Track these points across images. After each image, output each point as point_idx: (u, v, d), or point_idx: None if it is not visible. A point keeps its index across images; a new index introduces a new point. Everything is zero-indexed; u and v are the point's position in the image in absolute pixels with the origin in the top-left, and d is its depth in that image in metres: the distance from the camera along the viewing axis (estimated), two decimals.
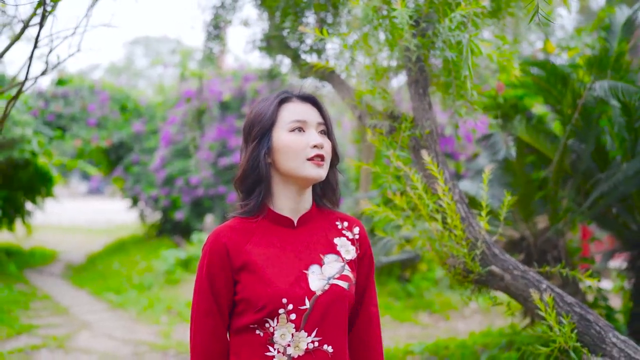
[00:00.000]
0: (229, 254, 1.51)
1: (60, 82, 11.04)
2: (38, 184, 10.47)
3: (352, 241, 1.62)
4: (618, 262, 5.54)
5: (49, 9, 2.74)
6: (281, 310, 1.47)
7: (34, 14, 2.79)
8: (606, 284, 6.57)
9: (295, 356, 1.48)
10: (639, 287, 4.05)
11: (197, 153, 9.55)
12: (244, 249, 1.52)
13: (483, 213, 2.53)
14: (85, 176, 35.94)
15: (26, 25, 2.84)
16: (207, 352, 1.55)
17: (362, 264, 1.63)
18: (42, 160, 9.52)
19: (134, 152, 11.25)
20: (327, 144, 1.57)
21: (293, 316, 1.48)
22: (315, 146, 1.53)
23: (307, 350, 1.48)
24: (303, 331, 1.48)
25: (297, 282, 1.50)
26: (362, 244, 1.64)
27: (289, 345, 1.48)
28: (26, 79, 2.89)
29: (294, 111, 1.57)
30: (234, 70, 10.36)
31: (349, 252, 1.60)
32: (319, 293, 1.50)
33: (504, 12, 3.35)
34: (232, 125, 10.33)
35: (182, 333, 6.12)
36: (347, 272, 1.57)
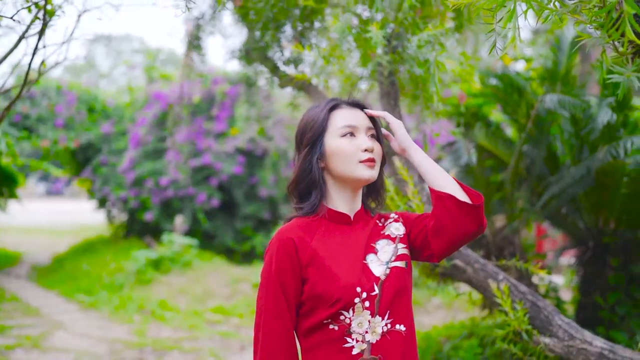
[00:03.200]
0: (297, 250, 1.54)
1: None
2: (1, 185, 10.37)
3: (396, 220, 1.69)
4: (569, 259, 5.98)
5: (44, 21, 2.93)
6: (357, 300, 1.50)
7: (29, 26, 2.97)
8: (559, 280, 7.03)
9: (374, 341, 1.51)
10: (586, 280, 4.44)
11: (172, 154, 9.67)
12: (310, 244, 1.56)
13: None
14: (44, 177, 35.25)
15: (23, 35, 3.01)
16: (278, 358, 1.52)
17: (408, 219, 1.68)
18: (5, 161, 9.45)
19: (103, 153, 11.25)
20: (377, 147, 1.63)
21: (367, 303, 1.51)
22: (366, 150, 1.58)
23: (382, 334, 1.52)
24: (378, 316, 1.52)
25: (363, 272, 1.54)
26: (401, 215, 1.70)
27: (366, 332, 1.51)
28: (24, 85, 3.07)
29: (344, 117, 1.62)
30: (203, 73, 10.51)
31: (398, 229, 1.66)
32: (383, 278, 1.54)
33: (465, 28, 3.69)
34: (200, 127, 10.48)
35: (157, 331, 6.27)
36: (402, 250, 1.62)
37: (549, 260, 5.86)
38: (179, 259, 8.86)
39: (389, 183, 2.86)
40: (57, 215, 23.65)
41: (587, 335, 2.54)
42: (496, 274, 2.77)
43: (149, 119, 10.64)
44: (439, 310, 7.33)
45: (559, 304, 4.30)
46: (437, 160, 4.83)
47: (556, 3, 1.48)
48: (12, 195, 10.92)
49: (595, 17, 1.42)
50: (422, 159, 1.64)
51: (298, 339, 1.59)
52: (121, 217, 12.28)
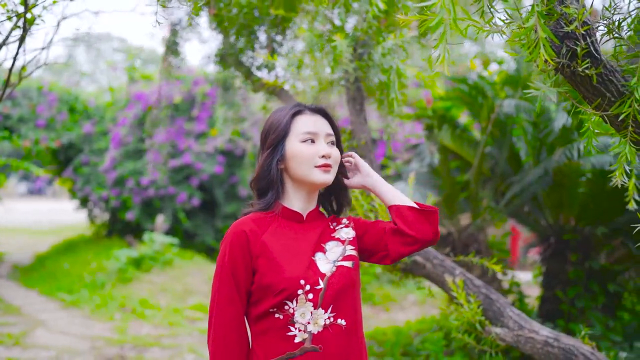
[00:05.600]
0: (248, 241, 1.65)
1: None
2: None
3: (347, 225, 1.81)
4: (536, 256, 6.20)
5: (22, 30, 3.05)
6: (300, 291, 1.60)
7: (9, 34, 3.09)
8: (526, 276, 7.27)
9: (315, 332, 1.61)
10: (548, 275, 4.65)
11: (151, 155, 9.76)
12: (261, 237, 1.66)
13: None
14: (26, 177, 34.94)
15: (3, 43, 3.13)
16: (228, 341, 1.63)
17: (361, 223, 1.81)
18: None
19: (84, 153, 11.30)
20: (335, 153, 1.73)
21: (310, 295, 1.61)
22: (323, 156, 1.69)
23: (324, 326, 1.61)
24: (320, 309, 1.61)
25: (310, 267, 1.65)
26: (353, 220, 1.83)
27: (308, 323, 1.61)
28: (4, 89, 3.19)
29: (306, 123, 1.72)
30: (183, 74, 10.62)
31: (348, 233, 1.78)
32: (328, 274, 1.64)
33: (429, 35, 3.87)
34: (181, 128, 10.59)
35: (137, 328, 6.38)
36: (350, 251, 1.73)
37: (520, 257, 6.08)
38: (159, 257, 8.97)
39: None
40: (39, 215, 23.54)
41: (535, 325, 2.73)
42: (453, 269, 2.95)
43: (130, 119, 10.72)
44: (413, 307, 7.54)
45: (521, 298, 4.51)
46: (406, 162, 5.02)
47: (492, 22, 1.66)
48: None
49: (519, 38, 1.60)
50: (382, 182, 1.83)
51: (249, 324, 1.70)
52: (103, 216, 12.33)
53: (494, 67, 6.91)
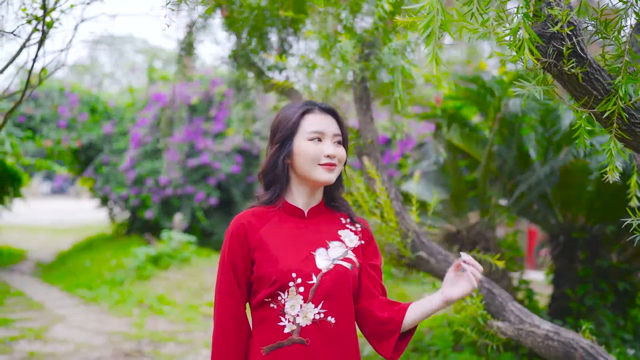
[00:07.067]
0: (246, 234, 1.73)
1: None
2: (6, 184, 10.66)
3: (355, 232, 1.83)
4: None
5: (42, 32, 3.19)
6: (291, 284, 1.66)
7: (29, 37, 3.23)
8: (539, 274, 7.27)
9: (304, 325, 1.66)
10: (558, 273, 4.68)
11: (166, 154, 9.93)
12: (259, 231, 1.74)
13: (414, 208, 3.08)
14: (49, 176, 35.61)
15: (24, 45, 3.27)
16: (226, 329, 1.71)
17: (368, 249, 1.83)
18: (9, 161, 9.71)
19: (104, 153, 11.54)
20: (340, 153, 1.77)
21: (301, 289, 1.66)
22: (328, 155, 1.74)
23: (313, 321, 1.67)
24: (310, 303, 1.66)
25: (306, 261, 1.69)
26: (365, 235, 1.84)
27: (298, 315, 1.66)
28: (24, 91, 3.33)
29: (314, 122, 1.76)
30: (201, 74, 10.77)
31: (352, 241, 1.80)
32: (324, 271, 1.68)
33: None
34: (199, 128, 10.75)
35: (154, 324, 6.53)
36: (351, 255, 1.76)
37: (534, 256, 6.08)
38: (177, 255, 9.13)
39: (359, 181, 3.11)
40: (61, 214, 23.97)
41: (536, 319, 2.78)
42: None
43: (149, 120, 10.92)
44: None
45: (530, 295, 4.53)
46: (417, 161, 5.07)
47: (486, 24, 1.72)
48: (17, 194, 11.22)
49: (508, 38, 1.66)
50: (438, 306, 1.71)
51: (251, 313, 1.77)
52: (122, 215, 12.56)
53: (510, 66, 6.91)
